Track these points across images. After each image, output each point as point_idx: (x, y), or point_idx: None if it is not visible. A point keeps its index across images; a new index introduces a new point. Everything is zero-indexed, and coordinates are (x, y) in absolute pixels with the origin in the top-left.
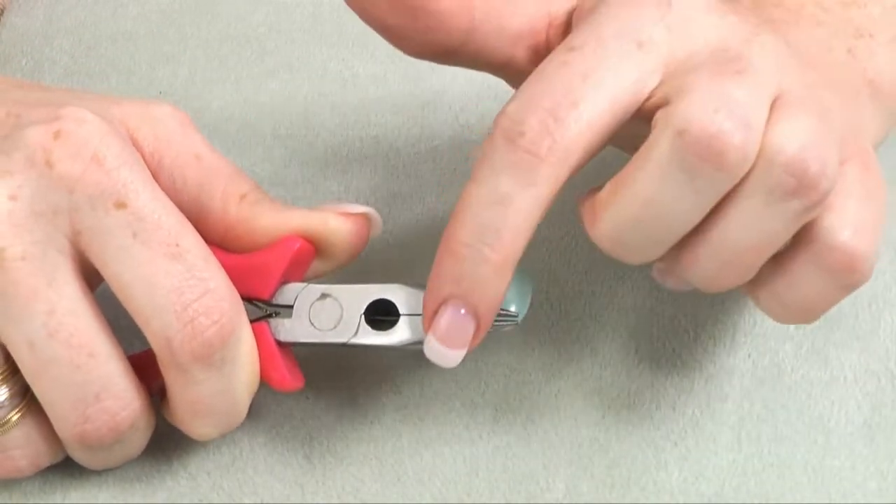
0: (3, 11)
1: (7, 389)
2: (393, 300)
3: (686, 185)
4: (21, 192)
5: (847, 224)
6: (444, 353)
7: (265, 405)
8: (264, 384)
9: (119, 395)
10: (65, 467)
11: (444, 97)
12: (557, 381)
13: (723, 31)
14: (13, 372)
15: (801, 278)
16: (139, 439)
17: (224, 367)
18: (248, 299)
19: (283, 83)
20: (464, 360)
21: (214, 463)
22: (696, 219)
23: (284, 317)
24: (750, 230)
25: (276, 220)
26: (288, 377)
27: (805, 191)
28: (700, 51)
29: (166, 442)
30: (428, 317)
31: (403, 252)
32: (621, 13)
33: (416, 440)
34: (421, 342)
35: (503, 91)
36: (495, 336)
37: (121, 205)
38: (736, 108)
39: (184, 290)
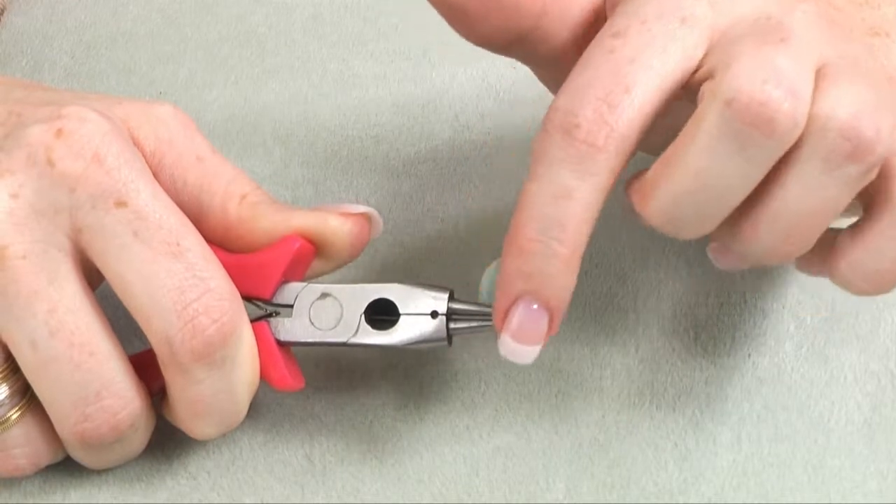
0: (3, 11)
1: (7, 387)
2: (393, 300)
3: (737, 154)
4: (22, 190)
5: None
6: (520, 350)
7: (265, 405)
8: (264, 384)
9: (119, 394)
10: (65, 467)
11: (444, 97)
12: (557, 381)
13: (763, 1)
14: (13, 370)
15: (882, 248)
16: (139, 439)
17: (224, 367)
18: (248, 299)
19: (283, 83)
20: (464, 360)
21: (214, 462)
22: (749, 188)
23: (285, 316)
24: (808, 197)
25: (276, 219)
26: (288, 376)
27: (861, 155)
28: (742, 20)
29: (167, 441)
30: (500, 316)
31: (403, 252)
32: None
33: (417, 440)
34: (421, 341)
35: (503, 91)
36: (495, 336)
37: (121, 203)
38: (782, 76)
39: (184, 289)
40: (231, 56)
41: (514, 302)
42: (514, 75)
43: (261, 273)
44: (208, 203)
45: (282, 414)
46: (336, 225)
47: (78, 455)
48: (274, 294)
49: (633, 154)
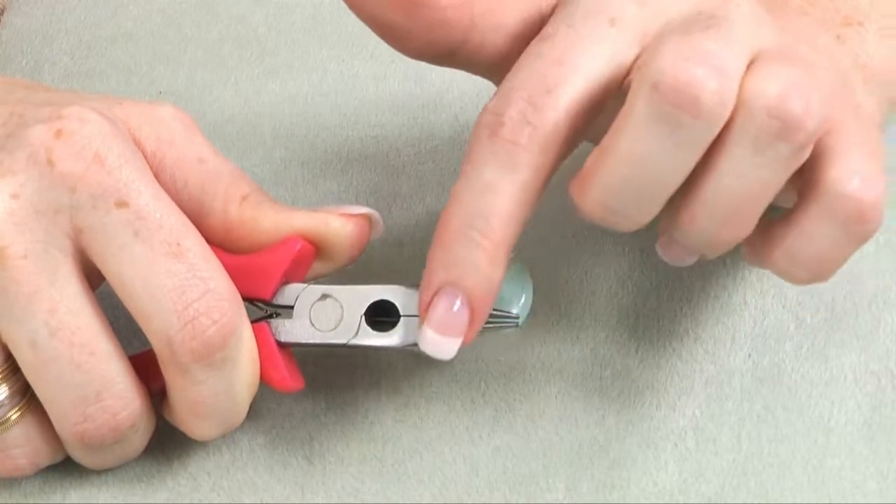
0: (3, 11)
1: (7, 388)
2: (393, 301)
3: (668, 137)
4: (23, 190)
5: (853, 173)
6: (439, 342)
7: (265, 405)
8: (264, 385)
9: (120, 395)
10: (64, 467)
11: (444, 97)
12: (557, 381)
13: (697, 1)
14: (13, 370)
15: (814, 233)
16: (139, 439)
17: (224, 367)
18: (248, 300)
19: (283, 83)
20: (464, 360)
21: (215, 463)
22: (684, 172)
23: (285, 317)
24: (742, 179)
25: (277, 221)
26: (288, 378)
27: (791, 133)
28: (675, 19)
29: (167, 442)
30: (423, 308)
31: (403, 252)
32: None
33: (417, 440)
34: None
35: None
36: (495, 336)
37: (122, 204)
38: (708, 55)
39: (185, 290)
40: (231, 56)
41: (435, 292)
42: None
43: (261, 274)
44: (209, 204)
45: (282, 414)
46: (337, 226)
47: (78, 455)
48: (274, 295)
49: (566, 152)
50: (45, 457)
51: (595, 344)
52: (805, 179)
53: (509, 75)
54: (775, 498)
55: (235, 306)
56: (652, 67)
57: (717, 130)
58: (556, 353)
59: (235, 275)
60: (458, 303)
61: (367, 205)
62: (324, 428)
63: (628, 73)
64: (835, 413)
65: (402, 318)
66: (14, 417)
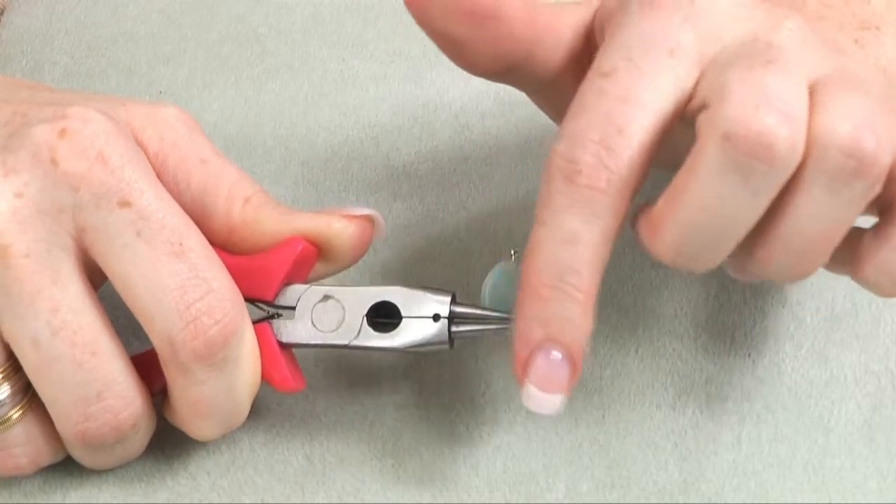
0: (3, 11)
1: (9, 387)
2: (395, 302)
3: (741, 185)
4: (27, 189)
5: None
6: (543, 399)
7: (265, 405)
8: (265, 385)
9: (121, 395)
10: (65, 467)
11: (444, 97)
12: None
13: (748, 21)
14: (15, 369)
15: None
16: (140, 439)
17: (226, 367)
18: (250, 300)
19: (283, 83)
20: (464, 360)
21: (215, 462)
22: (756, 217)
23: (287, 318)
24: (818, 218)
25: (279, 222)
26: (289, 378)
27: (866, 170)
28: (730, 44)
29: (167, 442)
30: (520, 365)
31: (403, 252)
32: (645, 24)
33: (416, 440)
34: (423, 344)
35: (503, 91)
36: (495, 335)
37: (125, 203)
38: (776, 100)
39: (187, 289)
40: (231, 56)
41: (533, 350)
42: None
43: (263, 275)
44: (212, 205)
45: (282, 414)
46: (339, 227)
47: (78, 455)
48: (276, 296)
49: (640, 188)
50: (46, 456)
51: (595, 344)
52: (889, 196)
53: (573, 112)
54: (775, 498)
55: (237, 306)
56: (720, 114)
57: (790, 175)
58: None
59: (237, 275)
60: (559, 357)
61: (367, 205)
62: (324, 427)
63: (690, 98)
64: (835, 413)
65: (403, 320)
66: (16, 416)
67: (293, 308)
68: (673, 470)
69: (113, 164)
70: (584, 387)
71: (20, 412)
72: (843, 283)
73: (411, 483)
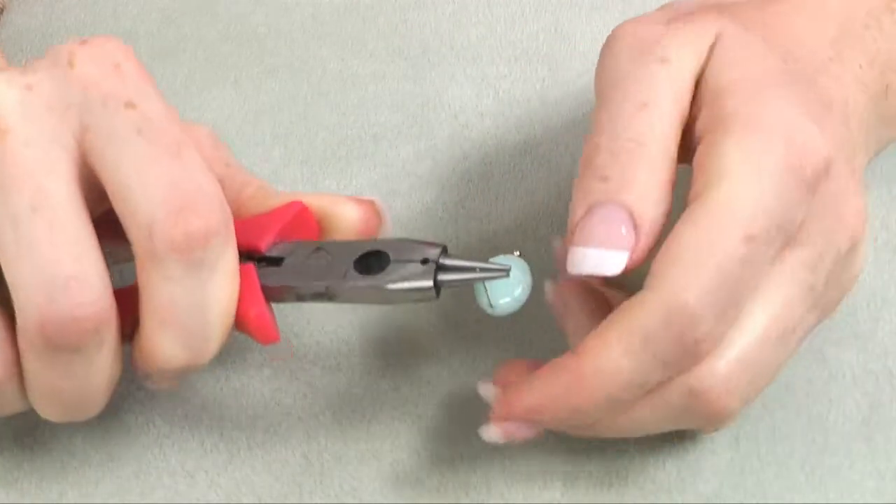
0: (3, 10)
1: None
2: (386, 251)
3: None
4: (39, 85)
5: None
6: (601, 257)
7: (262, 403)
8: (244, 335)
9: (90, 289)
10: (62, 466)
11: (443, 96)
12: None
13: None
14: None
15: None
16: (101, 365)
17: (201, 272)
18: (243, 252)
19: (283, 83)
20: (461, 357)
21: (212, 461)
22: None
23: (274, 267)
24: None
25: (286, 196)
26: (267, 316)
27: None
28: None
29: (164, 440)
30: (573, 227)
31: None
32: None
33: (414, 439)
34: (408, 285)
35: (503, 90)
36: (494, 334)
37: (131, 105)
38: None
39: (178, 185)
40: (231, 55)
41: (592, 206)
42: (513, 74)
43: (258, 228)
44: (226, 189)
45: (279, 413)
46: (345, 207)
47: (34, 369)
48: (268, 248)
49: None
50: None
51: None
52: None
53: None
54: (773, 497)
55: (225, 215)
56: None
57: None
58: (554, 352)
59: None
60: (622, 216)
61: None
62: (322, 427)
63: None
64: (833, 412)
65: (391, 263)
66: None
67: (283, 259)
68: (671, 469)
69: (126, 74)
70: None
71: None
72: None
73: (409, 482)
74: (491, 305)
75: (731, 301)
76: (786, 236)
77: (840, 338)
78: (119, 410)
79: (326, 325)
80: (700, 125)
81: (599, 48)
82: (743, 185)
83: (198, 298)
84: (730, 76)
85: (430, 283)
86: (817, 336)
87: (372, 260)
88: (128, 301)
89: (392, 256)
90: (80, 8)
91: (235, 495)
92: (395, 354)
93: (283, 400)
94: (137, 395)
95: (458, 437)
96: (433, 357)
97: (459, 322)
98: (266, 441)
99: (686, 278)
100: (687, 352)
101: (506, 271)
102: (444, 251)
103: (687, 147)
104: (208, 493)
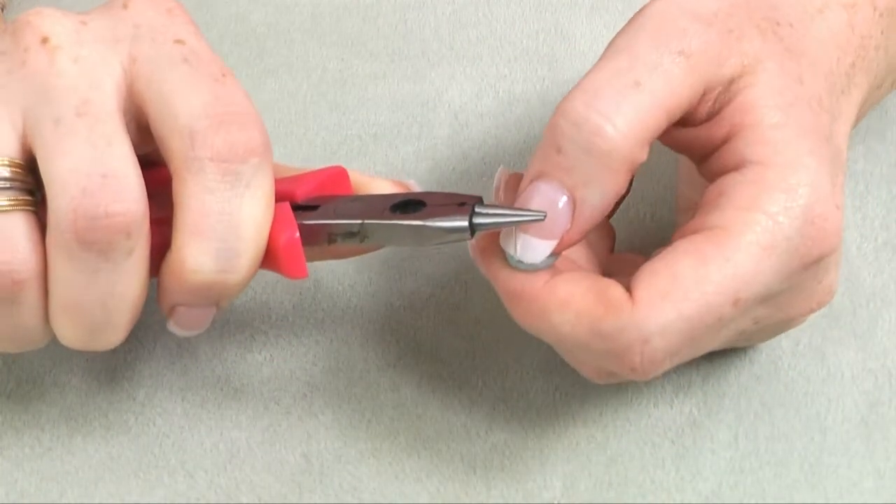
0: (3, 8)
1: (11, 179)
2: (423, 200)
3: None
4: (93, 22)
5: None
6: (529, 244)
7: (263, 402)
8: (271, 271)
9: (125, 187)
10: (62, 464)
11: (442, 96)
12: (554, 378)
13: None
14: (27, 170)
15: None
16: (128, 276)
17: (237, 186)
18: (279, 200)
19: (283, 82)
20: (460, 357)
21: (212, 461)
22: None
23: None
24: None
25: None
26: (298, 246)
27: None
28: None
29: (164, 440)
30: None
31: (402, 251)
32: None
33: (414, 438)
34: (445, 224)
35: (502, 90)
36: (494, 334)
37: (179, 41)
38: None
39: (222, 99)
40: (230, 55)
41: (534, 180)
42: (513, 74)
43: (296, 183)
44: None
45: (279, 412)
46: (385, 185)
47: (60, 274)
48: (305, 200)
49: None
50: (20, 264)
51: None
52: None
53: None
54: (772, 496)
55: (265, 138)
56: None
57: None
58: (553, 351)
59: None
60: (562, 199)
61: None
62: (321, 426)
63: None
64: (832, 411)
65: (427, 206)
66: (5, 205)
67: (318, 207)
68: (670, 468)
69: (177, 17)
70: (581, 384)
71: (11, 205)
72: (841, 282)
73: (409, 481)
74: (518, 260)
75: (687, 347)
76: (764, 301)
77: (839, 337)
78: (119, 410)
79: (326, 325)
80: (721, 138)
81: (599, 48)
82: (753, 255)
83: (233, 210)
84: (769, 115)
85: (465, 222)
86: (816, 335)
87: (409, 206)
88: (159, 230)
89: (428, 203)
90: (79, 7)
91: (235, 495)
92: (395, 354)
93: (283, 400)
94: (138, 395)
95: (457, 436)
96: (432, 357)
97: (459, 322)
98: (266, 440)
99: (661, 314)
100: (623, 369)
101: (542, 214)
102: (480, 201)
103: (687, 138)
104: (208, 492)
